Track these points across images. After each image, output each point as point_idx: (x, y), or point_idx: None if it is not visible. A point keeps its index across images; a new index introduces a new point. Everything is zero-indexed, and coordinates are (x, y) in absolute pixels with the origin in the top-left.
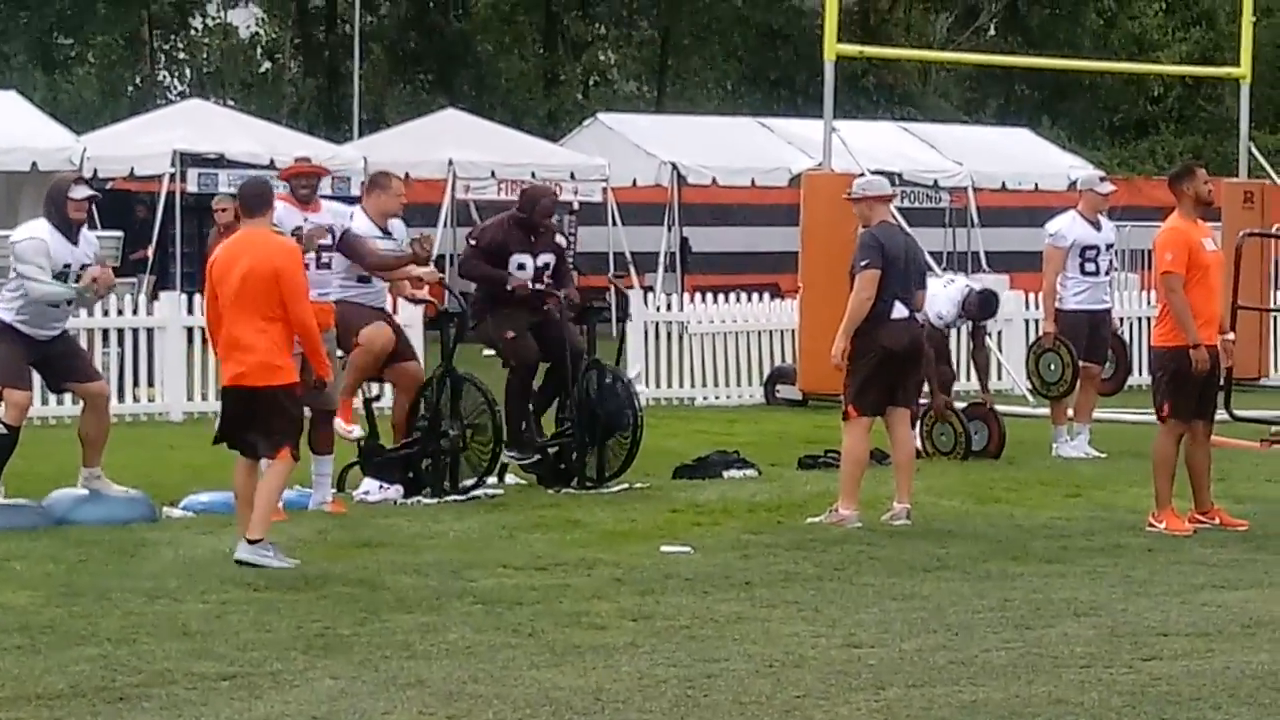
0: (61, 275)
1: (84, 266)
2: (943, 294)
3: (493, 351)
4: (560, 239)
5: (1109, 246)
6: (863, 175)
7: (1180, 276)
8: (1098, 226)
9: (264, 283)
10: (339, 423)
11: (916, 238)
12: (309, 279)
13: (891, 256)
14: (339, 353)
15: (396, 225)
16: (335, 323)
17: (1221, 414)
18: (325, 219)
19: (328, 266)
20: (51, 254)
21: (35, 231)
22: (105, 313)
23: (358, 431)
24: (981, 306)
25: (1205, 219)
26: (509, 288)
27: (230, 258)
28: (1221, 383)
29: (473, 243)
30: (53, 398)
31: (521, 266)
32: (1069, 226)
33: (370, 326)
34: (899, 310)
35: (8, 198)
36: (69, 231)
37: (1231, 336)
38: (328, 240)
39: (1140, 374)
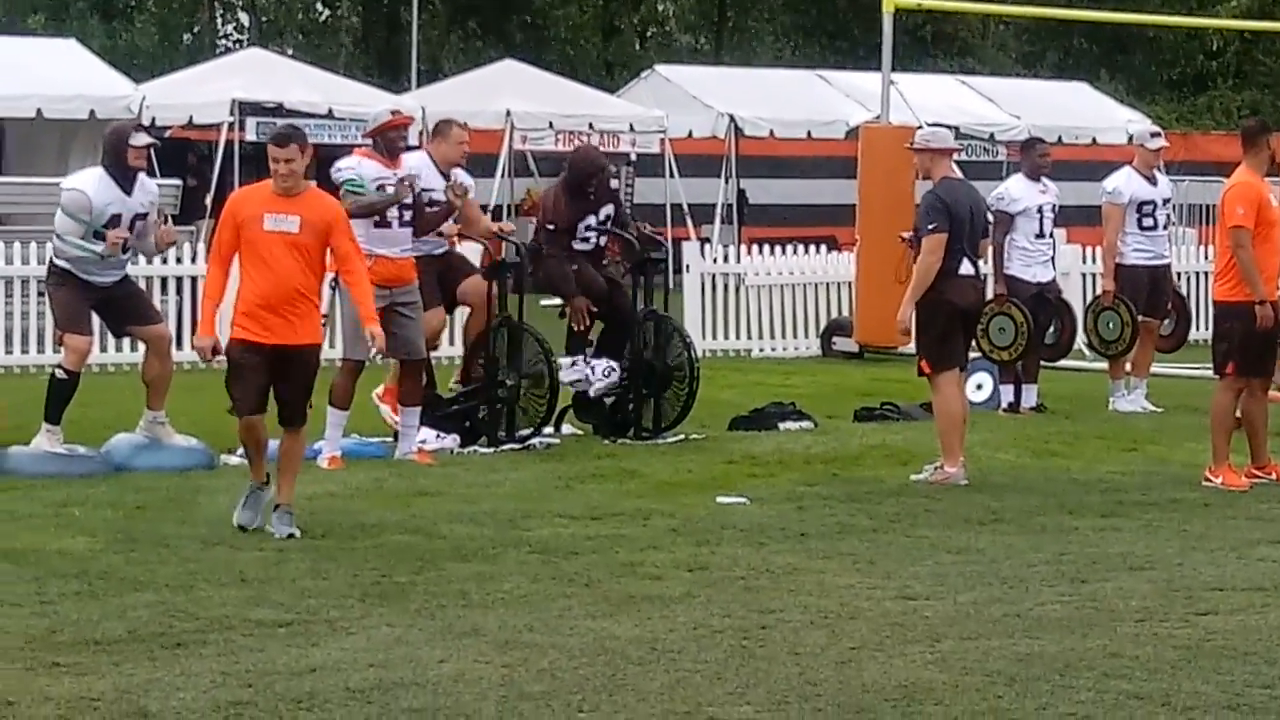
0: (111, 224)
1: (137, 216)
2: None
3: (552, 301)
4: (614, 182)
5: (1166, 201)
6: (921, 128)
7: (1249, 231)
8: (1153, 181)
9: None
10: (385, 409)
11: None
12: (390, 236)
13: (958, 215)
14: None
15: (458, 174)
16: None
17: None
18: (404, 173)
19: (408, 225)
20: (95, 205)
21: (80, 183)
22: (164, 261)
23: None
24: None
25: (1268, 175)
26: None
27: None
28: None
29: (551, 227)
30: (111, 344)
31: (589, 227)
32: (1125, 183)
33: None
34: (966, 268)
35: (61, 146)
36: (124, 179)
37: None
38: (408, 198)
39: (1200, 329)
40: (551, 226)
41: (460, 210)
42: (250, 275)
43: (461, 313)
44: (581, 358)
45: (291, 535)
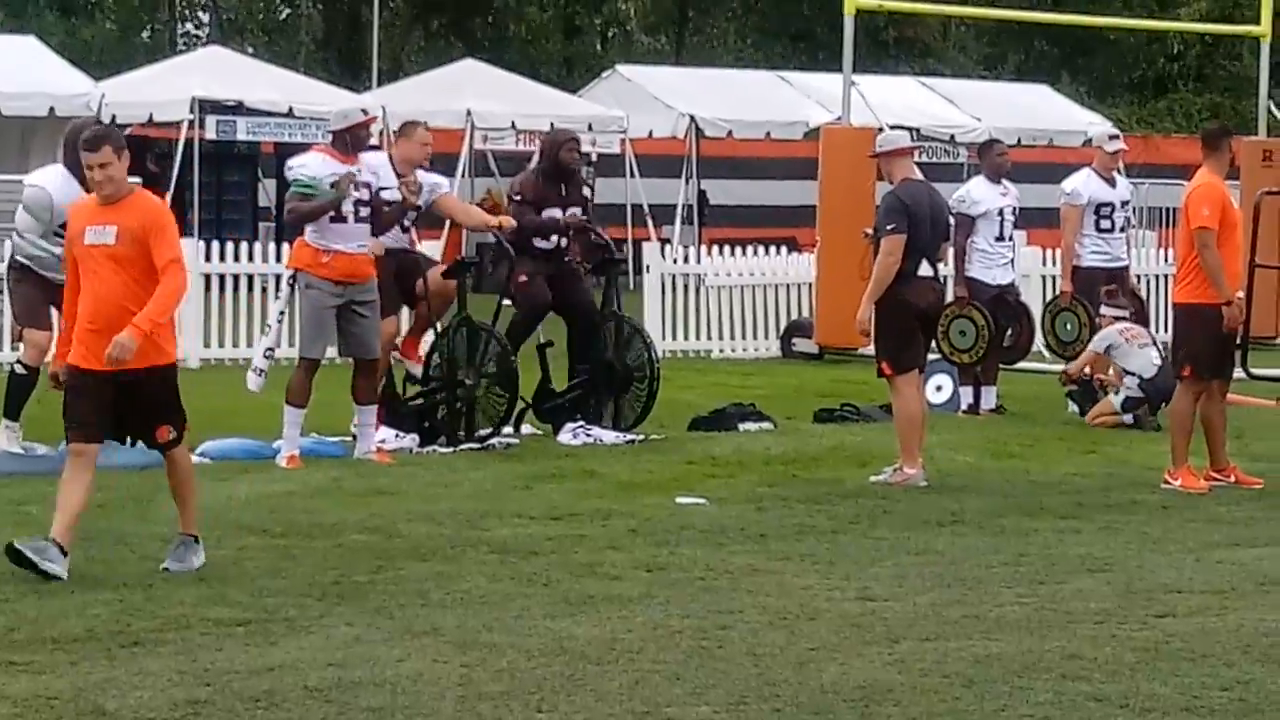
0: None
1: None
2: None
3: (510, 301)
4: (586, 190)
5: (1124, 203)
6: (881, 130)
7: (1214, 233)
8: (1112, 183)
9: None
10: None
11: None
12: (346, 232)
13: (917, 217)
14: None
15: (421, 175)
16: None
17: (1238, 372)
18: (365, 174)
19: (365, 220)
20: (56, 203)
21: (42, 180)
22: None
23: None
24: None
25: (1227, 179)
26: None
27: None
28: (1238, 341)
29: (518, 198)
30: None
31: (554, 220)
32: (1084, 184)
33: (433, 270)
34: (925, 269)
35: (21, 143)
36: (84, 177)
37: (1240, 295)
38: (363, 194)
39: (1159, 331)
40: (518, 197)
41: (421, 208)
42: (83, 293)
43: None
44: (582, 425)
45: (187, 569)
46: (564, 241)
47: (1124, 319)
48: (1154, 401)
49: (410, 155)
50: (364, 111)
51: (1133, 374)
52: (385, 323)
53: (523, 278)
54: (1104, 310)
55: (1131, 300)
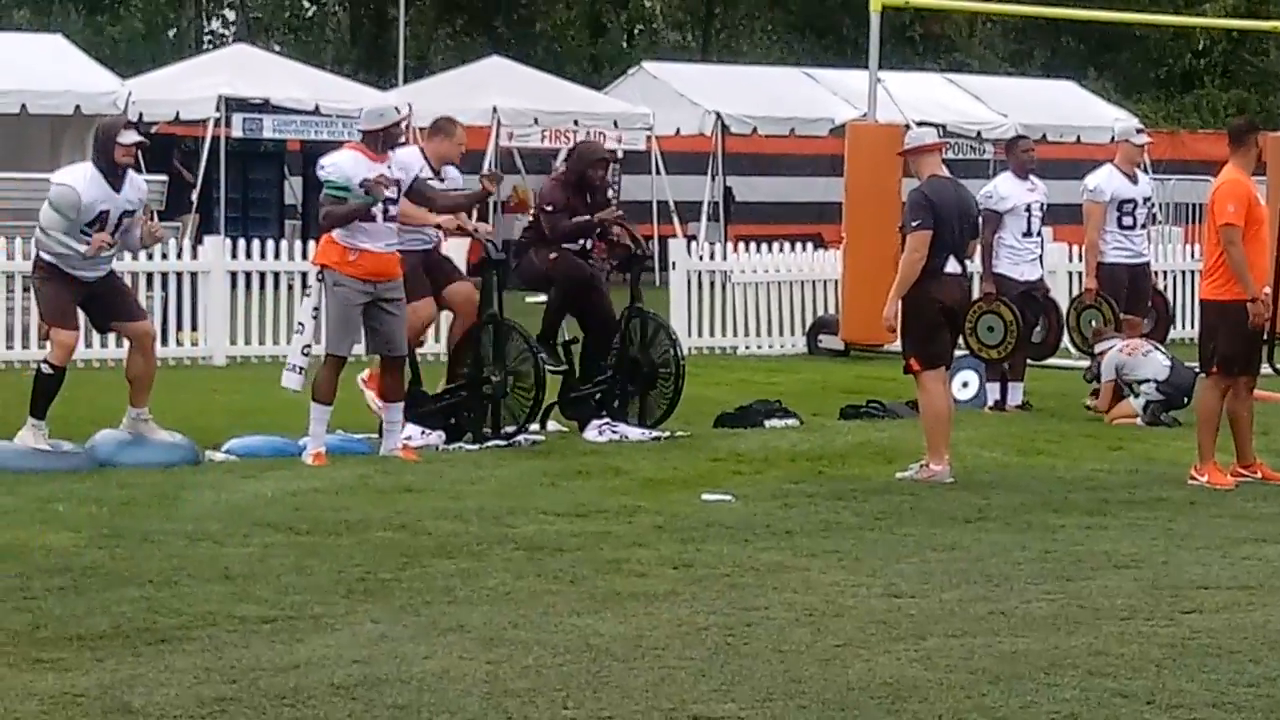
0: (99, 220)
1: (125, 213)
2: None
3: (537, 298)
4: (610, 195)
5: (1146, 200)
6: (909, 127)
7: (1240, 229)
8: (1134, 180)
9: None
10: (369, 394)
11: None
12: (374, 231)
13: (943, 213)
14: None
15: (450, 172)
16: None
17: (1264, 368)
18: (395, 172)
19: (393, 219)
20: (84, 202)
21: (69, 178)
22: (149, 256)
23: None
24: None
25: (1254, 174)
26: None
27: None
28: (1265, 337)
29: (549, 208)
30: (96, 340)
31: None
32: (1106, 180)
33: (414, 304)
34: (952, 265)
35: (51, 141)
36: (113, 176)
37: (1267, 291)
38: (393, 193)
39: (1182, 328)
40: (549, 208)
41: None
42: None
43: (446, 316)
44: (608, 422)
45: None
46: (590, 244)
47: (1114, 346)
48: (1175, 399)
49: (448, 153)
50: (397, 110)
51: (1148, 380)
52: (420, 305)
53: (553, 254)
54: (1096, 349)
55: (1154, 298)
